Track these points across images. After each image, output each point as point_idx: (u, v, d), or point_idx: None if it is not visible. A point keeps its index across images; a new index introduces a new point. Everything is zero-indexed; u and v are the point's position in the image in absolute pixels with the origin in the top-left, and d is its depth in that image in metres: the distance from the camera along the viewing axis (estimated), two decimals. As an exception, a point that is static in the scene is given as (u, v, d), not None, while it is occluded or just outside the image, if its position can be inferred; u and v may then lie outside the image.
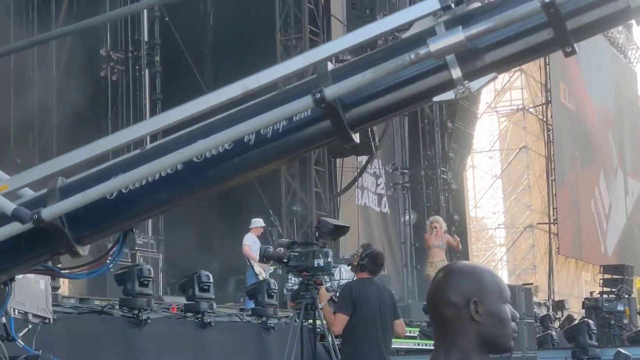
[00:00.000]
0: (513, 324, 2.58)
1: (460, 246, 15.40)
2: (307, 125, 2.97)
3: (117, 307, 9.28)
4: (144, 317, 9.15)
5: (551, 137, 31.60)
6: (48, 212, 3.11)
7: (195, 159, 3.02)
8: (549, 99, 32.04)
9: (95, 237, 3.26)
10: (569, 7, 2.68)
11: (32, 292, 7.29)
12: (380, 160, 22.48)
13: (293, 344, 9.48)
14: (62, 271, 3.45)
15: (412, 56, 2.74)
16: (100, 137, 3.23)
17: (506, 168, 35.66)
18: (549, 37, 2.74)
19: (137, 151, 3.18)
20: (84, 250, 3.26)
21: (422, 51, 2.72)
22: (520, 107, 34.45)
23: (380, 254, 9.22)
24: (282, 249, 9.58)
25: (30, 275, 7.43)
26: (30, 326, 7.33)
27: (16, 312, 7.09)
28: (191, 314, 10.08)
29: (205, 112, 3.01)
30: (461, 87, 2.78)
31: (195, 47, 19.31)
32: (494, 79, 2.85)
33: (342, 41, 3.00)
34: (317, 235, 9.87)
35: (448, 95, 2.82)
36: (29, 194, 3.35)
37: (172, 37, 18.11)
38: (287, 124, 2.96)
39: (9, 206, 3.15)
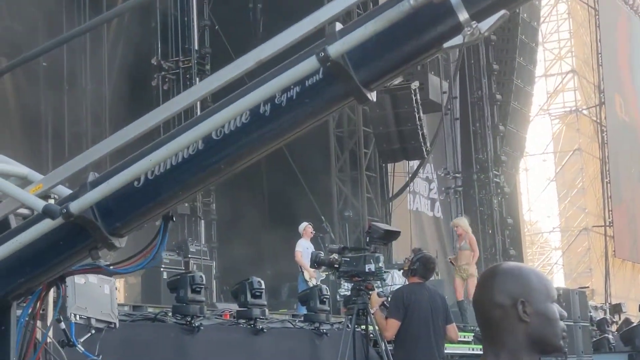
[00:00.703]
0: (562, 323, 2.55)
1: (477, 254, 15.14)
2: (320, 88, 2.90)
3: (170, 314, 9.34)
4: (196, 324, 9.19)
5: (605, 139, 31.22)
6: (76, 205, 3.12)
7: (214, 136, 3.01)
8: (603, 100, 31.66)
9: (128, 227, 3.25)
10: None
11: (95, 297, 7.35)
12: (432, 165, 22.39)
13: (345, 349, 9.46)
14: (110, 267, 3.45)
15: (412, 1, 2.66)
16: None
17: (560, 171, 35.30)
18: None
19: (159, 139, 3.16)
20: (120, 242, 3.25)
21: None
22: (574, 108, 34.11)
23: (431, 258, 9.16)
24: (333, 255, 9.58)
25: (93, 280, 7.51)
26: (93, 331, 7.39)
27: (77, 317, 7.16)
28: (244, 321, 10.10)
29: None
30: (469, 29, 2.67)
31: (245, 54, 19.36)
32: (503, 17, 2.71)
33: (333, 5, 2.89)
34: (368, 240, 9.84)
35: (457, 40, 2.72)
36: (65, 192, 3.37)
37: (222, 45, 18.22)
38: (300, 89, 2.91)
39: (40, 203, 3.17)
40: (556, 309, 2.54)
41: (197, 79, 17.98)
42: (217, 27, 18.69)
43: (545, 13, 34.42)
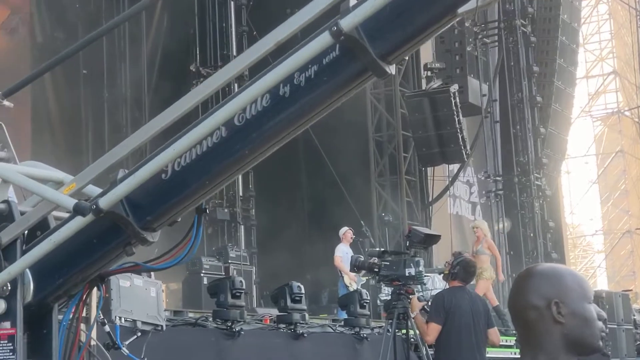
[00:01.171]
0: (600, 323, 2.50)
1: (499, 257, 14.92)
2: (337, 65, 2.89)
3: (210, 319, 9.36)
4: (237, 329, 9.20)
5: (648, 140, 30.91)
6: (105, 201, 3.15)
7: (236, 122, 3.02)
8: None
9: (160, 220, 3.26)
10: None
11: (141, 299, 7.39)
12: (472, 168, 22.26)
13: (386, 354, 9.40)
14: (147, 264, 3.48)
15: None
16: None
17: (602, 173, 34.96)
18: None
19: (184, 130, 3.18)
20: (154, 237, 3.27)
21: None
22: (615, 110, 33.79)
23: (471, 262, 9.11)
24: (373, 259, 9.53)
25: (139, 283, 7.55)
26: (139, 334, 7.44)
27: (123, 320, 7.20)
28: (284, 325, 10.09)
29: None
30: None
31: (284, 59, 19.38)
32: None
33: None
34: (407, 244, 9.78)
35: (471, 4, 2.69)
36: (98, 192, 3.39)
37: (261, 50, 18.25)
38: (318, 68, 2.90)
39: (70, 202, 3.21)
40: (593, 309, 2.50)
41: (236, 85, 18.03)
42: (255, 32, 18.71)
43: (586, 14, 34.14)
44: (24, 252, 3.42)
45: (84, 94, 17.67)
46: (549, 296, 2.49)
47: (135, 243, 3.27)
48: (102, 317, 6.95)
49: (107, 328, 6.70)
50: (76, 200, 3.21)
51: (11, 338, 3.38)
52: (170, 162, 3.12)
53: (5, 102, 3.89)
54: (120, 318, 7.41)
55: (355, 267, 9.75)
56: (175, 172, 3.15)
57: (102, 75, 17.80)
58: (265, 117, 3.01)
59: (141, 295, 7.58)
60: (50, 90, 16.60)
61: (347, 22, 2.77)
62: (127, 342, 7.21)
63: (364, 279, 15.12)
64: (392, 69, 2.89)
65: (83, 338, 3.80)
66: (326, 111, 3.07)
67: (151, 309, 7.89)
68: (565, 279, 2.51)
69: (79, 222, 3.20)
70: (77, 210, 3.17)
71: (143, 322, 7.80)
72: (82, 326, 4.12)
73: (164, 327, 8.15)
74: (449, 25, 2.94)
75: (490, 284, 14.86)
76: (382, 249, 10.17)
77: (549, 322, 2.48)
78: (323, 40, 2.80)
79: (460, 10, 2.73)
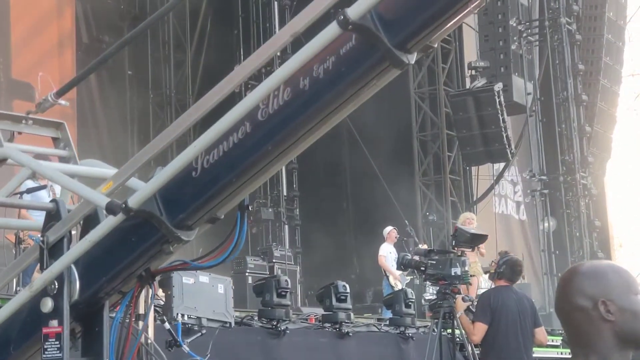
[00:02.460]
0: None
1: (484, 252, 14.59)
2: (354, 55, 2.82)
3: (256, 318, 9.37)
4: (282, 328, 9.21)
5: (696, 138, 30.47)
6: (134, 199, 3.17)
7: (260, 118, 3.01)
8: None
9: (193, 218, 3.26)
10: None
11: (206, 296, 7.37)
12: (516, 167, 22.11)
13: (432, 353, 9.38)
14: (194, 262, 3.48)
15: None
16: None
17: (649, 171, 34.54)
18: None
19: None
20: (189, 235, 3.27)
21: None
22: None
23: (518, 261, 9.04)
24: (419, 257, 9.51)
25: (205, 280, 7.54)
26: (204, 331, 7.42)
27: (186, 317, 7.20)
28: (329, 325, 10.09)
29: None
30: None
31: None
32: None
33: None
34: (454, 243, 9.76)
35: None
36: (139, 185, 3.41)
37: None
38: (335, 59, 2.84)
39: (103, 200, 3.24)
40: None
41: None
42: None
43: (631, 12, 33.75)
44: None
45: (129, 95, 17.80)
46: (594, 296, 2.45)
47: (172, 241, 3.27)
48: (161, 314, 6.97)
49: (167, 326, 6.68)
50: (108, 199, 3.23)
51: (59, 336, 3.41)
52: (194, 157, 3.13)
53: (61, 101, 3.93)
54: (183, 315, 7.39)
55: (402, 265, 9.74)
56: (204, 170, 3.17)
57: (147, 76, 17.93)
58: (287, 110, 3.00)
59: (207, 292, 7.54)
60: (96, 90, 16.75)
61: (355, 10, 2.69)
62: (189, 340, 7.18)
63: (409, 278, 15.08)
64: (411, 59, 2.78)
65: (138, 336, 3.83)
66: (350, 105, 3.00)
67: (218, 305, 7.84)
68: (607, 275, 2.47)
69: (111, 221, 3.23)
70: (109, 209, 3.21)
71: (209, 319, 7.76)
72: (140, 324, 4.15)
73: (232, 324, 8.08)
74: (473, 11, 2.83)
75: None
76: (429, 248, 10.14)
77: (598, 322, 2.45)
78: (331, 30, 2.73)
79: None
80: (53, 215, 3.52)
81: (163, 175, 3.12)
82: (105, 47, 16.22)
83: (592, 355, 2.46)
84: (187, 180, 3.16)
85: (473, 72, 18.78)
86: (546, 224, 21.98)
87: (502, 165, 20.30)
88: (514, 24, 19.48)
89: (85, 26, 16.98)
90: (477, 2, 2.71)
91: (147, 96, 18.15)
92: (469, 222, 14.96)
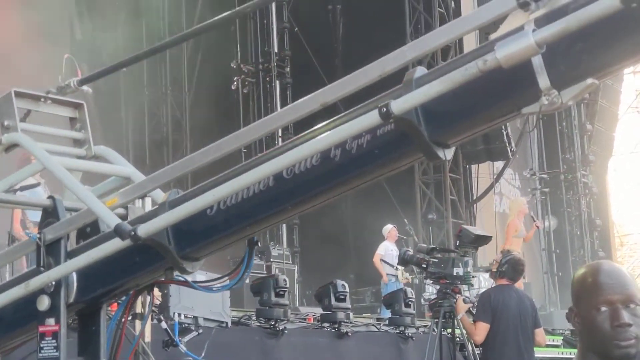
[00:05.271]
0: (615, 330, 2.41)
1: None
2: (389, 140, 2.75)
3: (254, 317, 9.27)
4: (280, 327, 9.12)
5: (696, 137, 30.40)
6: (144, 229, 3.12)
7: (285, 175, 2.94)
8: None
9: (200, 253, 3.24)
10: None
11: (203, 296, 7.29)
12: (517, 166, 22.01)
13: (432, 353, 9.28)
14: (196, 284, 3.50)
15: (480, 64, 2.40)
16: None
17: (649, 170, 34.49)
18: None
19: (235, 167, 3.11)
20: (194, 267, 3.26)
21: (490, 58, 2.38)
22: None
23: (520, 260, 8.99)
24: (422, 254, 9.40)
25: (202, 278, 7.43)
26: (201, 331, 7.35)
27: (183, 317, 7.12)
28: (328, 324, 9.98)
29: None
30: (548, 98, 2.40)
31: (326, 57, 19.30)
32: (590, 87, 2.41)
33: (419, 45, 2.69)
34: (457, 243, 9.66)
35: (535, 107, 2.46)
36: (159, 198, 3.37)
37: (302, 48, 18.15)
38: (370, 137, 2.76)
39: (113, 221, 3.18)
40: (603, 317, 2.43)
41: (277, 81, 17.96)
42: (296, 29, 18.63)
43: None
44: (68, 253, 3.43)
45: (124, 92, 17.69)
46: (572, 301, 2.55)
47: (175, 270, 3.29)
48: (158, 314, 6.88)
49: (164, 325, 6.63)
50: (119, 220, 3.17)
51: (55, 335, 3.38)
52: (209, 205, 3.09)
53: (85, 87, 3.84)
54: (179, 315, 7.35)
55: (404, 260, 9.63)
56: (220, 210, 3.10)
57: (142, 73, 17.81)
58: (313, 176, 2.93)
59: (205, 292, 7.48)
60: (89, 86, 16.63)
61: (398, 106, 2.60)
62: (186, 339, 7.13)
63: (410, 277, 14.97)
64: (448, 154, 2.74)
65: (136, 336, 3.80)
66: (377, 180, 2.98)
67: (215, 305, 7.84)
68: (581, 283, 2.51)
69: (117, 244, 3.18)
70: (117, 232, 3.14)
71: (205, 319, 7.72)
72: (137, 323, 4.10)
73: (229, 324, 8.06)
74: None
75: None
76: (432, 246, 10.04)
77: (576, 327, 2.54)
78: (372, 117, 2.66)
79: (525, 110, 2.53)
80: (50, 213, 3.48)
81: (178, 212, 3.08)
82: (100, 42, 16.11)
83: (577, 356, 2.56)
84: (201, 216, 3.10)
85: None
86: (547, 223, 21.89)
87: (502, 163, 20.18)
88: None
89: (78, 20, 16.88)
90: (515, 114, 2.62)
91: (142, 92, 18.02)
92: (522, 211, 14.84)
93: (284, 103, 18.13)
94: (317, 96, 2.83)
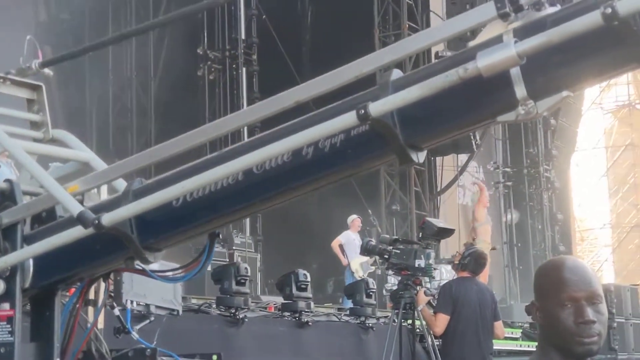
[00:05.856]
0: (579, 327, 2.42)
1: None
2: (363, 141, 2.76)
3: (214, 305, 9.21)
4: (241, 316, 9.06)
5: (659, 134, 30.72)
6: (108, 218, 3.09)
7: (255, 170, 2.93)
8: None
9: (163, 244, 3.23)
10: None
11: (155, 283, 7.26)
12: (480, 159, 22.10)
13: (391, 344, 9.29)
14: (154, 274, 3.48)
15: (461, 71, 2.43)
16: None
17: (612, 166, 34.79)
18: (623, 53, 2.34)
19: (203, 159, 3.12)
20: (155, 258, 3.25)
21: (471, 66, 2.42)
22: (627, 102, 33.58)
23: (483, 253, 9.06)
24: (384, 245, 9.40)
25: (155, 267, 7.39)
26: (152, 318, 7.32)
27: (135, 304, 7.08)
28: (288, 314, 9.95)
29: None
30: (524, 107, 2.45)
31: (293, 45, 19.24)
32: (564, 99, 2.48)
33: (397, 48, 2.74)
34: (420, 235, 9.67)
35: (510, 115, 2.51)
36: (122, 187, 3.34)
37: (270, 35, 18.07)
38: (344, 137, 2.77)
39: (75, 208, 3.15)
40: (566, 313, 2.43)
41: (244, 69, 17.88)
42: (264, 16, 18.54)
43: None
44: (24, 237, 3.41)
45: (88, 76, 17.52)
46: (535, 296, 2.52)
47: (136, 260, 3.28)
48: (111, 300, 6.83)
49: (116, 312, 6.59)
50: (82, 208, 3.14)
51: (10, 320, 3.37)
52: (176, 197, 3.06)
53: (46, 70, 3.78)
54: (132, 302, 7.30)
55: (366, 250, 9.64)
56: (186, 202, 3.08)
57: (107, 57, 17.64)
58: (284, 171, 2.92)
59: (157, 280, 7.43)
60: (53, 70, 16.46)
61: (377, 109, 2.61)
62: (138, 327, 7.08)
63: (372, 267, 14.98)
64: (420, 157, 2.77)
65: (89, 323, 3.79)
66: (347, 179, 3.01)
67: (167, 293, 7.79)
68: (544, 278, 2.50)
69: (79, 231, 3.15)
70: (80, 220, 3.11)
71: (157, 307, 7.68)
72: (90, 310, 4.08)
73: (180, 312, 8.01)
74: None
75: None
76: (395, 237, 10.05)
77: (537, 322, 2.53)
78: (349, 118, 2.66)
79: (500, 118, 2.57)
80: (7, 196, 3.44)
81: (145, 203, 3.06)
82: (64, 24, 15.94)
83: (536, 351, 2.54)
84: (166, 207, 3.08)
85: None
86: (509, 216, 22.01)
87: (466, 156, 20.25)
88: None
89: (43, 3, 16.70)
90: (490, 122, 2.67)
91: (107, 76, 17.87)
92: None
93: (250, 90, 18.06)
94: (292, 93, 2.84)
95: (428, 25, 19.01)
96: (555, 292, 2.44)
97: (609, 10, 2.18)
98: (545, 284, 2.47)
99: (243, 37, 17.96)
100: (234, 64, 17.94)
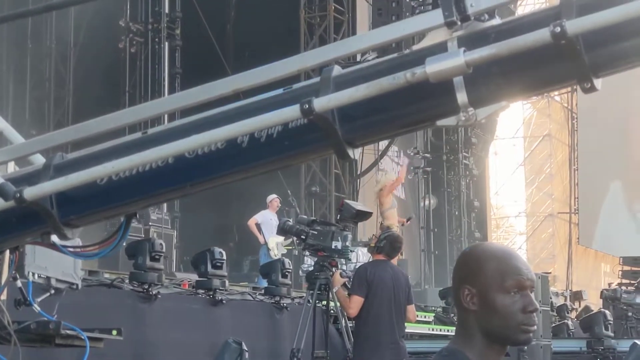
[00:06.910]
0: (525, 315, 2.37)
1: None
2: (301, 134, 2.75)
3: (127, 281, 9.11)
4: (154, 292, 8.99)
5: (575, 126, 31.25)
6: (31, 192, 2.98)
7: (187, 155, 2.87)
8: (575, 87, 31.66)
9: (83, 221, 3.14)
10: (588, 39, 2.33)
11: (57, 257, 7.14)
12: (400, 144, 22.25)
13: (305, 324, 9.32)
14: (66, 249, 3.36)
15: (408, 75, 2.46)
16: (117, 109, 3.15)
17: (529, 156, 35.36)
18: (564, 70, 2.42)
19: (132, 137, 3.02)
20: (73, 234, 3.14)
21: (419, 71, 2.45)
22: (545, 94, 34.08)
23: (399, 237, 9.12)
24: (301, 225, 9.40)
25: (56, 240, 7.27)
26: (52, 291, 7.23)
27: (36, 277, 6.96)
28: (202, 291, 9.89)
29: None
30: (465, 114, 2.50)
31: (218, 21, 19.08)
32: (503, 108, 2.55)
33: (342, 46, 2.79)
34: (338, 217, 9.71)
35: (450, 120, 2.57)
36: (39, 161, 3.23)
37: (194, 10, 17.86)
38: (282, 129, 2.75)
39: None
40: (516, 300, 2.36)
41: (167, 43, 17.66)
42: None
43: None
44: None
45: (6, 44, 17.12)
46: (461, 280, 2.42)
47: (54, 235, 3.17)
48: (14, 272, 6.70)
49: (18, 283, 6.49)
50: (2, 180, 3.02)
51: None
52: (104, 176, 2.96)
53: None
54: (33, 274, 7.18)
55: (283, 230, 9.64)
56: (112, 181, 2.98)
57: (26, 25, 17.25)
58: (217, 158, 2.87)
59: (57, 253, 7.32)
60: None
61: (321, 105, 2.61)
62: (39, 299, 6.99)
63: (287, 248, 14.99)
64: (356, 153, 2.77)
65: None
66: (281, 169, 3.05)
67: (67, 266, 7.68)
68: (484, 262, 2.40)
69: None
70: (1, 193, 2.99)
71: (57, 280, 7.59)
72: None
73: (79, 286, 7.92)
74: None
75: None
76: (313, 218, 10.07)
77: (462, 308, 2.41)
78: (292, 112, 2.65)
79: (439, 123, 2.61)
80: None
81: (69, 180, 2.94)
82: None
83: (457, 337, 2.44)
84: (90, 184, 2.97)
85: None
86: (427, 202, 22.22)
87: (387, 141, 20.35)
88: (408, 0, 19.48)
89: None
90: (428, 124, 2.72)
91: (25, 45, 17.48)
92: None
93: (172, 65, 17.83)
94: (230, 81, 2.80)
95: (354, 8, 19.05)
96: (500, 279, 2.37)
97: (558, 29, 2.24)
98: (487, 269, 2.38)
99: (167, 10, 17.71)
100: (157, 37, 17.68)
